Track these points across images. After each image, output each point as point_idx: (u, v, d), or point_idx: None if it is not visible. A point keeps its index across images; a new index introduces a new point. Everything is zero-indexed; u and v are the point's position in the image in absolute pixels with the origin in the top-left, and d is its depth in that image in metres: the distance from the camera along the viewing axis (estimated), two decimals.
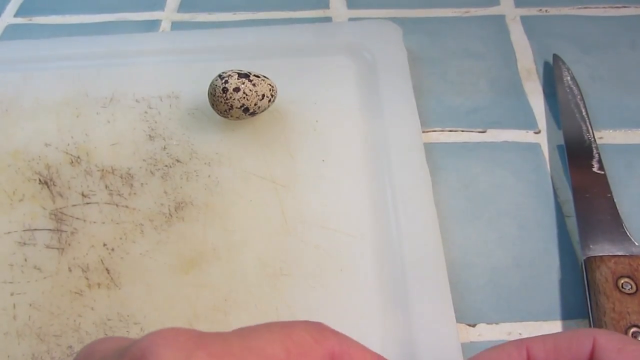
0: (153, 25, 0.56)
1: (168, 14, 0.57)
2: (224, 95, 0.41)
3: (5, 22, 0.57)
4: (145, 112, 0.45)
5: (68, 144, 0.44)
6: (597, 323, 0.33)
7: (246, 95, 0.41)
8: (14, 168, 0.43)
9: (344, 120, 0.44)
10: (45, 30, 0.56)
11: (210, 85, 0.42)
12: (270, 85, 0.42)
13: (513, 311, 0.36)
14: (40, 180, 0.42)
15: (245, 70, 0.42)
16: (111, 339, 0.23)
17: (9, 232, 0.38)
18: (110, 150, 0.43)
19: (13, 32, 0.56)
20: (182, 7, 0.57)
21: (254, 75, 0.42)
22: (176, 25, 0.55)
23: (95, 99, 0.46)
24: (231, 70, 0.41)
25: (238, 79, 0.41)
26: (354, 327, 0.31)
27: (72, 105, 0.46)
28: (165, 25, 0.55)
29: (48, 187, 0.41)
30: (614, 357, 0.21)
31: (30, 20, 0.58)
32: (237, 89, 0.41)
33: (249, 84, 0.41)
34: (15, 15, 0.58)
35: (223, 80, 0.41)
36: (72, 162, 0.43)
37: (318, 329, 0.22)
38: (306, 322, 0.22)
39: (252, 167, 0.41)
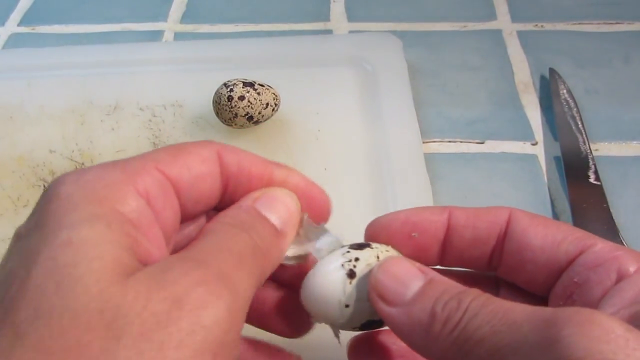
0: (156, 35, 0.56)
1: (171, 25, 0.57)
2: (229, 103, 0.41)
3: (9, 31, 0.58)
4: (150, 120, 0.46)
5: (73, 151, 0.44)
6: None
7: (251, 103, 0.42)
8: (18, 174, 0.43)
9: (346, 130, 0.45)
10: (48, 39, 0.57)
11: (216, 93, 0.42)
12: (274, 94, 0.43)
13: None
14: (44, 186, 0.42)
15: (249, 79, 0.43)
16: None
17: None
18: (114, 157, 0.43)
19: (16, 41, 0.57)
20: (185, 18, 0.58)
21: (259, 84, 0.42)
22: (179, 36, 0.56)
23: (100, 107, 0.47)
24: (236, 79, 0.42)
25: (243, 87, 0.42)
26: None
27: (77, 113, 0.47)
28: (168, 36, 0.56)
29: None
30: (526, 221, 0.23)
31: (34, 29, 0.58)
32: (242, 97, 0.41)
33: (253, 93, 0.42)
34: (19, 25, 0.59)
35: (228, 89, 0.42)
36: (77, 168, 0.43)
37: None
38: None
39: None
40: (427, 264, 0.23)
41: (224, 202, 0.24)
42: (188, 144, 0.24)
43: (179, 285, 0.18)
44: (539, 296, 0.24)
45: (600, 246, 0.21)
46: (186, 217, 0.24)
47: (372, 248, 0.24)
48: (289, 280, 0.26)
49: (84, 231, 0.18)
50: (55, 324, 0.17)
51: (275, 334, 0.26)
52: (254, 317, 0.26)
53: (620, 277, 0.20)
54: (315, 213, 0.25)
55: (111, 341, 0.17)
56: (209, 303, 0.18)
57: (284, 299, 0.26)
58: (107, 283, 0.18)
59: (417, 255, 0.24)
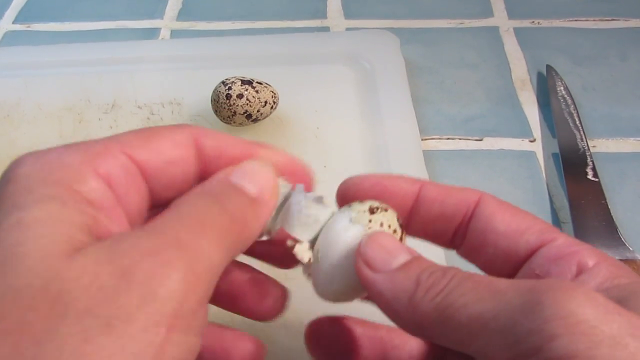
0: (152, 33, 0.56)
1: (167, 22, 0.57)
2: (228, 101, 0.41)
3: (4, 28, 0.57)
4: (148, 119, 0.46)
5: None
6: None
7: (249, 101, 0.41)
8: None
9: (345, 127, 0.45)
10: (43, 37, 0.56)
11: (214, 91, 0.42)
12: (272, 92, 0.43)
13: None
14: None
15: (247, 77, 0.43)
16: None
17: None
18: None
19: (11, 39, 0.56)
20: (181, 16, 0.58)
21: (257, 82, 0.42)
22: (175, 34, 0.56)
23: (97, 105, 0.47)
24: (234, 77, 0.42)
25: (241, 85, 0.41)
26: None
27: (74, 111, 0.47)
28: (164, 33, 0.56)
29: None
30: (494, 206, 0.23)
31: (29, 27, 0.58)
32: (240, 96, 0.41)
33: (252, 91, 0.42)
34: (14, 22, 0.58)
35: (227, 87, 0.41)
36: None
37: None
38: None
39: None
40: None
41: None
42: (162, 127, 0.23)
43: (127, 257, 0.17)
44: None
45: (562, 240, 0.22)
46: (159, 202, 0.23)
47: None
48: (259, 256, 0.26)
49: (35, 212, 0.18)
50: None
51: (246, 316, 0.26)
52: (222, 299, 0.25)
53: (580, 271, 0.21)
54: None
55: (55, 319, 0.16)
56: (159, 274, 0.17)
57: (255, 279, 0.26)
58: (54, 259, 0.17)
59: None
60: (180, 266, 0.18)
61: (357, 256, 0.22)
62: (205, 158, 0.23)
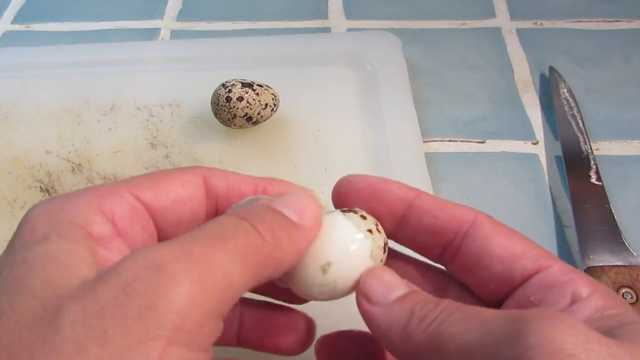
0: (152, 33, 0.56)
1: (167, 23, 0.57)
2: (228, 104, 0.41)
3: (2, 28, 0.57)
4: (147, 120, 0.45)
5: (69, 152, 0.44)
6: None
7: (249, 104, 0.41)
8: (14, 175, 0.42)
9: (346, 129, 0.44)
10: (43, 37, 0.56)
11: (214, 94, 0.42)
12: (273, 94, 0.43)
13: None
14: (41, 187, 0.42)
15: (247, 79, 0.42)
16: None
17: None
18: (112, 158, 0.43)
19: (10, 39, 0.56)
20: (182, 16, 0.58)
21: (257, 85, 0.42)
22: (175, 34, 0.56)
23: (96, 107, 0.46)
24: (234, 80, 0.42)
25: (242, 88, 0.41)
26: None
27: (73, 113, 0.46)
28: (164, 34, 0.56)
29: (49, 194, 0.41)
30: (490, 228, 0.23)
31: (28, 27, 0.57)
32: (240, 98, 0.41)
33: (252, 93, 0.41)
34: (13, 22, 0.58)
35: (227, 89, 0.41)
36: (74, 169, 0.43)
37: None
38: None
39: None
40: None
41: None
42: (172, 170, 0.24)
43: (130, 270, 0.17)
44: (485, 301, 0.24)
45: (557, 267, 0.22)
46: (168, 238, 0.23)
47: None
48: (266, 294, 0.27)
49: (39, 249, 0.19)
50: (1, 326, 0.17)
51: (272, 352, 0.27)
52: (247, 338, 0.26)
53: (574, 300, 0.21)
54: None
55: (49, 330, 0.16)
56: (161, 286, 0.17)
57: (279, 313, 0.27)
58: (56, 285, 0.18)
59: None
60: (184, 279, 0.17)
61: (358, 290, 0.23)
62: (214, 195, 0.24)
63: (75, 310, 0.17)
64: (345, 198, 0.25)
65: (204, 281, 0.18)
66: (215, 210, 0.24)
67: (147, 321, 0.17)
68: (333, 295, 0.23)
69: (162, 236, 0.23)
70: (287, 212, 0.22)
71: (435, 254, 0.25)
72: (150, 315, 0.17)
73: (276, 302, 0.27)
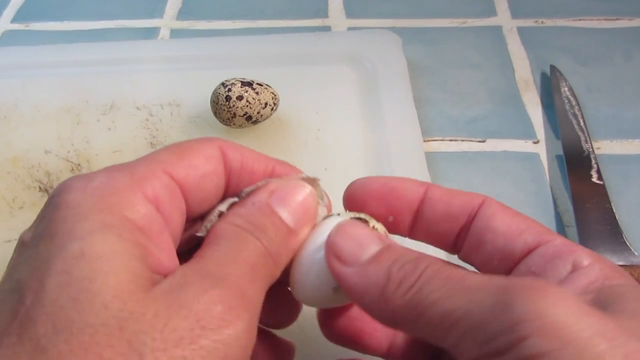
0: (152, 32, 0.56)
1: (167, 22, 0.57)
2: (227, 103, 0.41)
3: (2, 28, 0.57)
4: (147, 120, 0.45)
5: (69, 151, 0.44)
6: None
7: (249, 103, 0.41)
8: (13, 175, 0.42)
9: (346, 128, 0.44)
10: (42, 36, 0.56)
11: (213, 93, 0.42)
12: (272, 93, 0.42)
13: None
14: (40, 187, 0.41)
15: (247, 78, 0.42)
16: None
17: (9, 240, 0.38)
18: (111, 158, 0.43)
19: (9, 38, 0.56)
20: (181, 15, 0.57)
21: (257, 84, 0.42)
22: (175, 33, 0.55)
23: (96, 106, 0.46)
24: (234, 79, 0.42)
25: (241, 87, 0.41)
26: None
27: (72, 112, 0.46)
28: (164, 33, 0.55)
29: (49, 194, 0.41)
30: (497, 208, 0.23)
31: (27, 26, 0.57)
32: (240, 97, 0.41)
33: (252, 92, 0.41)
34: (12, 21, 0.58)
35: (226, 89, 0.41)
36: (73, 169, 0.42)
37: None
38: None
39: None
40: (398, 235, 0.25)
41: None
42: (191, 141, 0.24)
43: (198, 303, 0.18)
44: None
45: (559, 241, 0.22)
46: (192, 216, 0.24)
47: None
48: None
49: (96, 243, 0.19)
50: (75, 339, 0.17)
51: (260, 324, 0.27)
52: None
53: (575, 269, 0.21)
54: None
55: (133, 355, 0.17)
56: (229, 322, 0.19)
57: (264, 338, 0.27)
58: (125, 299, 0.18)
59: (390, 223, 0.25)
60: (244, 316, 0.19)
61: (327, 248, 0.22)
62: (229, 170, 0.24)
63: (155, 337, 0.18)
64: (362, 200, 0.25)
65: (252, 317, 0.20)
66: (228, 185, 0.24)
67: (220, 354, 0.18)
68: (341, 304, 0.24)
69: (189, 215, 0.23)
70: (285, 215, 0.23)
71: (449, 242, 0.25)
72: (222, 349, 0.18)
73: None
